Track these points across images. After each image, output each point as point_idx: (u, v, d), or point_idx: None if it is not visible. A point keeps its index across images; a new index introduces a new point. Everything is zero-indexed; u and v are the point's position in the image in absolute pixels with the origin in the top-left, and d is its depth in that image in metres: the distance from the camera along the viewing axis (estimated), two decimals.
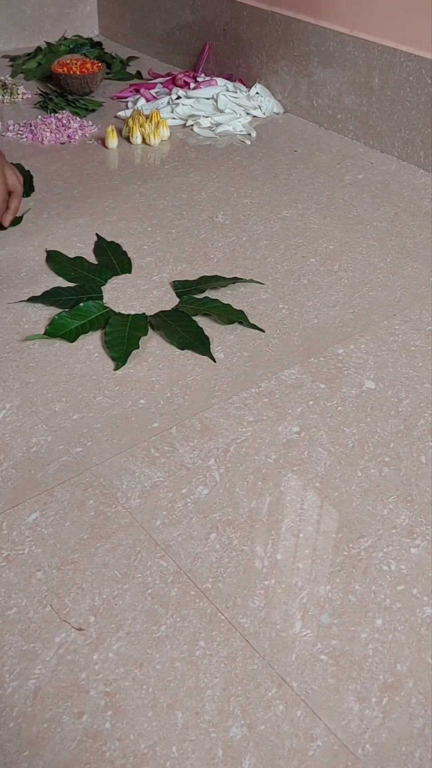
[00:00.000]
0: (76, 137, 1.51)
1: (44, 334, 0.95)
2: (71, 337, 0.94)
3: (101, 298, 1.03)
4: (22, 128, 1.53)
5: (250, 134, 1.55)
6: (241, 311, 1.00)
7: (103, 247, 1.14)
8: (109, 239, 1.16)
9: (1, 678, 0.59)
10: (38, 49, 1.94)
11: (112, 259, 1.11)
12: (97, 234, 1.17)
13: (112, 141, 1.47)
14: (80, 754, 0.55)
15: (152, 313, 1.00)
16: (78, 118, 1.56)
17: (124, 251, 1.13)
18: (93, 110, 1.64)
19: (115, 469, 0.77)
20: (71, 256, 1.12)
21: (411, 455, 0.80)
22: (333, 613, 0.65)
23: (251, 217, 1.26)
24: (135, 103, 1.65)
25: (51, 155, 1.44)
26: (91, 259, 1.12)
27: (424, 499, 0.75)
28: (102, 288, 1.05)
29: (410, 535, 0.71)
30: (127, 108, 1.65)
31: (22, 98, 1.69)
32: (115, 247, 1.14)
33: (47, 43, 1.95)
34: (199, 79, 1.67)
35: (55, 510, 0.72)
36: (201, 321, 0.99)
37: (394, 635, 0.63)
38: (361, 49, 1.44)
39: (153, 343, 0.95)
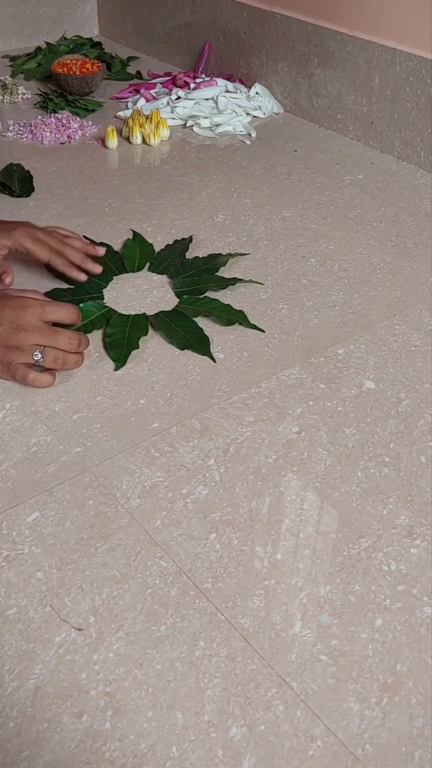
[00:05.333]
0: (76, 137, 1.51)
1: None
2: None
3: (102, 298, 1.03)
4: (22, 128, 1.53)
5: (250, 134, 1.55)
6: (241, 311, 1.00)
7: None
8: (108, 239, 1.16)
9: (1, 678, 0.59)
10: (38, 49, 1.94)
11: (106, 259, 1.11)
12: (85, 236, 1.17)
13: (112, 141, 1.47)
14: (80, 754, 0.55)
15: (152, 314, 1.00)
16: (78, 118, 1.56)
17: (116, 251, 1.13)
18: (93, 110, 1.64)
19: (115, 469, 0.77)
20: None
21: (411, 455, 0.80)
22: (333, 614, 0.65)
23: (251, 217, 1.26)
24: (135, 103, 1.65)
25: (51, 155, 1.44)
26: None
27: (424, 499, 0.75)
28: (102, 290, 1.05)
29: (410, 536, 0.72)
30: (127, 108, 1.65)
31: (22, 98, 1.69)
32: (106, 248, 1.13)
33: (47, 43, 1.95)
34: (198, 80, 1.67)
35: (55, 510, 0.72)
36: (201, 321, 0.99)
37: (394, 635, 0.63)
38: (361, 49, 1.44)
39: (153, 343, 0.96)
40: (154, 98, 1.66)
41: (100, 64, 1.73)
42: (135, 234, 1.18)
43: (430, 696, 0.59)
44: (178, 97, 1.63)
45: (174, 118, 1.59)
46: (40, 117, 1.57)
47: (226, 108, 1.58)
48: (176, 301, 1.04)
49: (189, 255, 1.13)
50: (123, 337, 0.95)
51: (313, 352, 0.95)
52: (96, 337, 0.96)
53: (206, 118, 1.57)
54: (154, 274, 1.10)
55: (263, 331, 0.98)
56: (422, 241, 1.20)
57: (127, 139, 1.51)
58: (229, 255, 1.12)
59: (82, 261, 1.03)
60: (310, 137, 1.55)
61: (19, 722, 0.57)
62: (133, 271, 1.10)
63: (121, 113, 1.62)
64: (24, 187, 1.29)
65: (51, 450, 0.79)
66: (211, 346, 0.95)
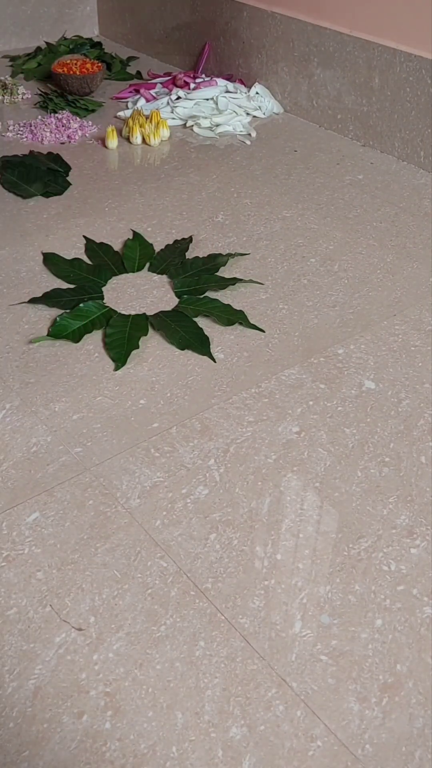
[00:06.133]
0: (76, 137, 1.51)
1: (48, 335, 0.95)
2: (75, 337, 0.95)
3: (102, 297, 1.03)
4: (22, 128, 1.53)
5: (250, 134, 1.55)
6: (241, 311, 1.00)
7: (93, 248, 1.14)
8: (109, 239, 1.16)
9: (1, 678, 0.59)
10: (38, 49, 1.94)
11: (106, 259, 1.11)
12: (84, 236, 1.17)
13: (112, 141, 1.47)
14: (80, 754, 0.55)
15: (152, 314, 1.00)
16: (78, 118, 1.56)
17: (116, 252, 1.13)
18: (93, 110, 1.64)
19: (115, 469, 0.77)
20: (72, 256, 1.12)
21: (411, 455, 0.80)
22: (333, 614, 0.65)
23: (251, 217, 1.26)
24: (135, 103, 1.66)
25: None
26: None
27: (424, 499, 0.75)
28: (102, 288, 1.05)
29: (410, 536, 0.72)
30: (127, 108, 1.65)
31: (22, 98, 1.69)
32: (106, 248, 1.14)
33: (47, 43, 1.95)
34: (198, 80, 1.67)
35: (55, 510, 0.72)
36: (201, 321, 0.99)
37: (394, 635, 0.63)
38: (361, 49, 1.44)
39: (153, 343, 0.96)
40: (154, 98, 1.66)
41: (100, 64, 1.73)
42: (135, 234, 1.18)
43: (430, 696, 0.59)
44: (178, 97, 1.63)
45: (174, 118, 1.59)
46: (40, 117, 1.57)
47: (226, 108, 1.58)
48: (176, 301, 1.04)
49: (189, 255, 1.14)
50: (123, 337, 0.95)
51: (313, 352, 0.95)
52: (96, 337, 0.96)
53: (206, 118, 1.57)
54: (154, 274, 1.10)
55: (263, 331, 0.98)
56: (422, 241, 1.20)
57: (127, 139, 1.51)
58: (229, 255, 1.12)
59: None
60: (310, 137, 1.55)
61: (19, 722, 0.57)
62: (133, 271, 1.10)
63: (121, 113, 1.62)
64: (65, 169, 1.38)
65: (51, 450, 0.79)
66: (211, 346, 0.95)
